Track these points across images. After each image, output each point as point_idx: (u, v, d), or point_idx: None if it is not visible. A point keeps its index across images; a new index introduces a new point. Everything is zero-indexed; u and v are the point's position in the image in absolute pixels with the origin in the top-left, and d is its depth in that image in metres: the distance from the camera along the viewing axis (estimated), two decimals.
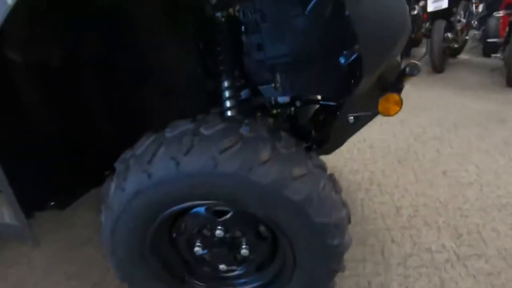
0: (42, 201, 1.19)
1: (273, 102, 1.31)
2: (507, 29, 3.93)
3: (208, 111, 1.35)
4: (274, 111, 1.36)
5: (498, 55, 4.20)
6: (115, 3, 1.14)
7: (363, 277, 1.36)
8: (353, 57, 0.94)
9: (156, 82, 1.41)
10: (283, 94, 1.23)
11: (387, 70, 0.95)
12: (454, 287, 1.30)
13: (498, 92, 3.75)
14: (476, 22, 5.69)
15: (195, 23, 1.27)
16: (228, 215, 0.94)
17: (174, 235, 1.04)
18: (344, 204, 0.93)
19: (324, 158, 1.89)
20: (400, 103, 0.95)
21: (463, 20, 4.92)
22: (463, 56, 5.69)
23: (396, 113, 0.98)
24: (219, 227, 0.96)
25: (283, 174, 0.80)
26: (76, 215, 1.77)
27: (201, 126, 0.84)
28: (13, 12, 0.76)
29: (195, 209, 0.95)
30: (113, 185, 0.90)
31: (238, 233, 0.99)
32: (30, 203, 1.12)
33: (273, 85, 1.22)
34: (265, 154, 0.80)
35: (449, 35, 4.48)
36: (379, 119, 1.09)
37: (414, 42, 5.75)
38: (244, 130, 0.83)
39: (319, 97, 1.33)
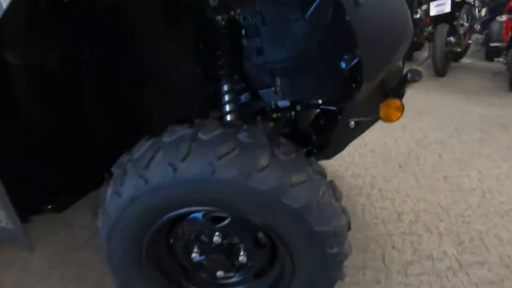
0: (39, 205, 1.18)
1: (273, 106, 1.30)
2: (510, 33, 3.92)
3: (207, 114, 1.34)
4: (274, 115, 1.35)
5: (501, 59, 4.18)
6: (115, 4, 1.13)
7: (363, 284, 1.34)
8: (354, 62, 0.93)
9: (156, 84, 1.40)
10: (283, 99, 1.22)
11: (388, 75, 0.93)
12: None
13: (501, 96, 3.73)
14: (478, 26, 5.68)
15: (195, 25, 1.27)
16: (226, 222, 0.92)
17: (172, 240, 1.02)
18: (344, 211, 0.92)
19: (325, 162, 1.88)
20: (401, 109, 0.94)
21: (466, 24, 4.91)
22: (465, 60, 5.67)
23: (398, 119, 0.97)
24: (216, 234, 0.94)
25: (282, 180, 0.78)
26: (76, 216, 1.75)
27: (199, 131, 0.83)
28: (10, 14, 0.75)
29: (192, 215, 0.94)
30: (109, 190, 0.89)
31: (236, 240, 0.97)
32: (26, 207, 1.11)
33: (273, 89, 1.21)
34: (263, 160, 0.78)
35: (452, 39, 4.46)
36: (380, 123, 1.08)
37: (416, 46, 5.74)
38: (242, 136, 0.82)
39: (319, 101, 1.32)
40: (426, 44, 5.40)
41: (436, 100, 3.69)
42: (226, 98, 1.13)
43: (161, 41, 1.29)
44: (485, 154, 2.39)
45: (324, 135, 1.33)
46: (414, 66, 5.27)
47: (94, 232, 0.99)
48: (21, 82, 1.05)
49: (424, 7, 4.89)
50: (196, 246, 0.99)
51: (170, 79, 1.38)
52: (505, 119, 3.01)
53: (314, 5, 0.85)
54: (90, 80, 1.29)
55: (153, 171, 0.81)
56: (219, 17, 1.13)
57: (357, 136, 1.23)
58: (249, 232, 0.95)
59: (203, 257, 1.00)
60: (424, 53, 5.64)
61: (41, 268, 1.48)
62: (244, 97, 1.32)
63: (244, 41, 1.17)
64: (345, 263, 0.96)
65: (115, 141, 1.32)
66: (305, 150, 1.34)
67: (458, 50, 4.86)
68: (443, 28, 4.33)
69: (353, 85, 1.01)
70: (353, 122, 1.11)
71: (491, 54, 4.90)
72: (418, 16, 4.97)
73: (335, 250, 0.86)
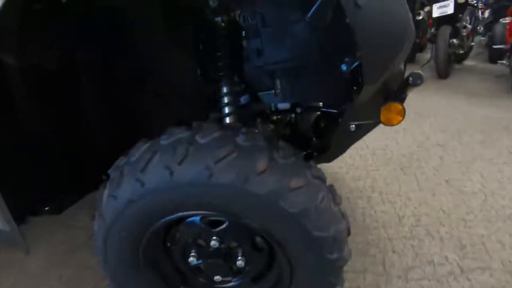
0: (37, 206, 1.17)
1: (273, 108, 1.29)
2: None
3: (207, 115, 1.33)
4: (274, 117, 1.34)
5: (504, 61, 4.16)
6: (114, 4, 1.12)
7: None
8: (355, 65, 0.91)
9: (155, 84, 1.39)
10: (283, 101, 1.21)
11: (390, 78, 0.92)
12: None
13: (504, 99, 3.71)
14: (482, 28, 5.65)
15: (195, 26, 1.25)
16: (224, 226, 0.91)
17: (169, 244, 1.01)
18: (343, 216, 0.90)
19: (325, 164, 1.87)
20: (403, 113, 0.93)
21: (469, 26, 4.88)
22: (468, 62, 5.64)
23: (399, 123, 0.95)
24: (214, 238, 0.93)
25: (280, 185, 0.77)
26: (74, 217, 1.73)
27: (196, 134, 0.82)
28: (5, 14, 0.74)
29: (190, 219, 0.92)
30: (106, 193, 0.88)
31: (233, 244, 0.96)
32: (24, 208, 1.11)
33: (273, 91, 1.20)
34: (261, 164, 0.77)
35: (455, 41, 4.44)
36: (382, 125, 1.06)
37: (418, 47, 5.72)
38: (240, 139, 0.81)
39: (320, 104, 1.30)
40: (429, 46, 5.38)
41: (438, 102, 3.67)
42: (226, 100, 1.12)
43: (161, 41, 1.28)
44: (487, 157, 2.37)
45: (325, 137, 1.31)
46: (416, 68, 5.25)
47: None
48: (18, 83, 1.04)
49: (426, 8, 4.87)
50: (193, 250, 0.98)
51: (170, 80, 1.37)
52: (507, 122, 2.99)
53: (314, 7, 0.83)
54: (89, 81, 1.28)
55: (150, 175, 0.80)
56: (219, 18, 1.12)
57: (357, 140, 1.22)
58: (247, 236, 0.94)
59: (200, 261, 0.99)
60: (426, 55, 5.61)
61: (39, 269, 1.47)
62: (243, 99, 1.31)
63: (244, 43, 1.16)
64: (345, 267, 0.95)
65: (114, 141, 1.31)
66: (305, 153, 1.35)
67: (461, 52, 4.83)
68: (446, 30, 4.31)
69: (354, 88, 1.00)
70: (353, 126, 1.10)
71: (494, 57, 4.88)
72: (420, 17, 4.95)
73: (334, 255, 0.85)
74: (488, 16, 5.63)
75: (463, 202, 1.85)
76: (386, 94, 0.96)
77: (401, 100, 0.93)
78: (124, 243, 0.92)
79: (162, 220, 0.87)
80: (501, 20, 4.42)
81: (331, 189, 0.90)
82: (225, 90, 1.12)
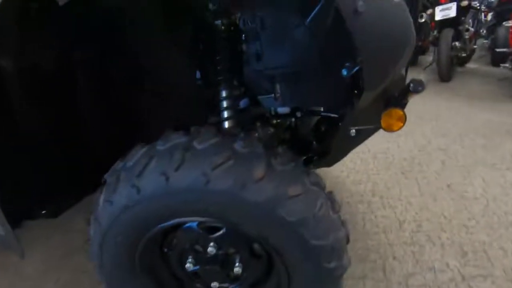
0: (34, 210, 1.16)
1: (273, 112, 1.28)
2: None
3: (206, 118, 1.32)
4: (274, 121, 1.33)
5: (507, 65, 4.14)
6: (113, 6, 1.11)
7: None
8: (355, 69, 0.90)
9: (154, 88, 1.38)
10: (283, 105, 1.20)
11: (391, 84, 0.91)
12: None
13: (506, 103, 3.69)
14: (484, 31, 5.62)
15: (194, 29, 1.24)
16: (221, 232, 0.90)
17: (166, 250, 1.00)
18: (342, 224, 0.89)
19: (326, 168, 1.85)
20: (403, 119, 0.91)
21: (472, 29, 4.87)
22: (471, 65, 5.62)
23: (400, 129, 0.94)
24: (211, 244, 0.92)
25: (277, 192, 0.76)
26: (71, 220, 1.72)
27: (194, 140, 0.80)
28: (2, 14, 0.73)
29: (187, 224, 0.91)
30: (102, 198, 0.87)
31: (231, 250, 0.94)
32: (19, 212, 1.10)
33: (273, 95, 1.18)
34: (259, 171, 0.76)
35: (457, 44, 4.43)
36: None
37: (421, 50, 5.70)
38: (238, 145, 0.79)
39: (320, 108, 1.29)
40: (431, 48, 5.36)
41: (440, 105, 3.65)
42: (224, 104, 1.11)
43: (160, 44, 1.27)
44: (489, 162, 2.35)
45: (325, 142, 1.30)
46: (418, 70, 5.23)
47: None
48: (15, 84, 1.03)
49: (429, 11, 4.85)
50: (190, 256, 0.96)
51: (169, 83, 1.36)
52: (510, 126, 2.96)
53: (314, 12, 0.82)
54: (86, 81, 1.27)
55: (146, 180, 0.78)
56: (218, 21, 1.11)
57: (358, 145, 1.20)
58: (245, 243, 0.92)
59: (197, 267, 0.97)
60: (428, 58, 5.59)
61: (35, 272, 1.47)
62: (243, 103, 1.29)
63: (244, 46, 1.15)
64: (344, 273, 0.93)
65: (112, 143, 1.30)
66: (304, 157, 1.33)
67: (463, 55, 4.81)
68: (448, 32, 4.30)
69: (354, 93, 0.98)
70: (354, 130, 1.08)
71: (497, 60, 4.86)
72: (423, 20, 4.93)
73: (332, 264, 0.83)
74: (491, 19, 5.60)
75: (465, 208, 1.83)
76: (387, 99, 0.95)
77: (402, 106, 0.91)
78: (120, 249, 0.91)
79: (159, 226, 0.86)
80: (504, 23, 4.40)
81: (330, 196, 0.89)
82: (224, 94, 1.10)
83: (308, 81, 1.10)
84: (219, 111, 1.12)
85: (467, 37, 4.66)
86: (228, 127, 1.07)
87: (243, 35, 1.12)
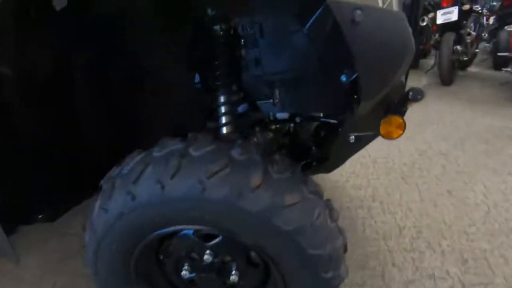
0: (30, 215, 1.15)
1: (271, 117, 1.27)
2: None
3: (205, 123, 1.31)
4: (273, 127, 1.32)
5: (509, 69, 4.12)
6: (111, 11, 1.10)
7: None
8: (354, 76, 0.89)
9: (152, 92, 1.37)
10: (282, 111, 1.19)
11: (390, 91, 0.90)
12: None
13: (508, 107, 3.66)
14: (486, 35, 5.61)
15: (193, 34, 1.24)
16: (217, 240, 0.89)
17: (162, 257, 0.99)
18: (340, 232, 0.88)
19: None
20: (403, 127, 0.90)
21: (473, 33, 4.85)
22: (472, 68, 5.60)
23: (399, 136, 0.93)
24: (207, 252, 0.90)
25: (274, 201, 0.75)
26: (69, 223, 1.72)
27: (190, 147, 0.80)
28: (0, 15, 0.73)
29: (183, 232, 0.90)
30: (97, 205, 0.86)
31: (227, 258, 0.93)
32: (15, 217, 1.09)
33: (271, 100, 1.18)
34: (256, 180, 0.75)
35: (459, 47, 4.41)
36: None
37: (422, 53, 5.68)
38: (235, 152, 0.78)
39: (320, 113, 1.28)
40: (433, 52, 5.34)
41: (441, 110, 3.63)
42: (223, 109, 1.10)
43: (159, 44, 1.26)
44: (490, 167, 2.33)
45: (324, 147, 1.29)
46: (420, 74, 5.20)
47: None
48: (12, 88, 1.02)
49: (430, 15, 4.84)
50: (186, 263, 0.95)
51: (168, 83, 1.35)
52: (511, 131, 2.94)
53: (312, 19, 0.81)
54: (86, 83, 1.26)
55: (141, 188, 0.78)
56: (217, 27, 1.10)
57: (357, 151, 1.19)
58: (241, 251, 0.91)
59: (193, 274, 0.96)
60: (430, 61, 5.57)
61: (32, 277, 1.45)
62: (242, 108, 1.29)
63: (242, 51, 1.14)
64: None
65: (111, 145, 1.30)
66: (304, 162, 1.32)
67: (465, 58, 4.80)
68: (450, 36, 4.28)
69: (354, 98, 0.97)
70: (353, 137, 1.07)
71: (498, 64, 4.84)
72: (424, 23, 4.92)
73: (329, 274, 0.82)
74: (493, 22, 5.59)
75: (465, 214, 1.81)
76: (386, 106, 0.94)
77: (402, 113, 0.91)
78: (115, 256, 0.90)
79: (154, 233, 0.85)
80: (506, 27, 4.38)
81: (328, 204, 0.88)
82: (222, 99, 1.10)
83: (307, 86, 1.09)
84: (217, 116, 1.12)
85: (468, 41, 4.64)
86: (226, 133, 1.06)
87: (242, 40, 1.11)
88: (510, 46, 4.19)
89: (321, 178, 2.07)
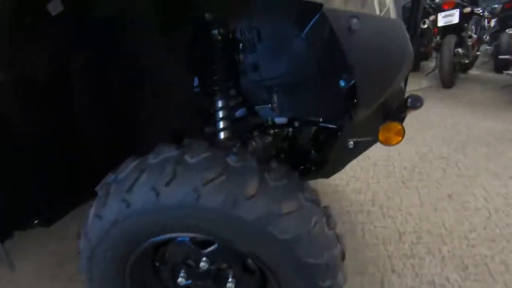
0: (25, 220, 1.14)
1: (270, 122, 1.26)
2: None
3: (202, 130, 1.30)
4: (272, 131, 1.31)
5: (510, 72, 4.11)
6: (109, 15, 1.10)
7: None
8: (353, 81, 0.88)
9: (152, 92, 1.36)
10: (280, 115, 1.18)
11: (389, 97, 0.89)
12: None
13: (509, 110, 3.65)
14: (487, 37, 5.59)
15: (191, 39, 1.23)
16: (213, 247, 0.88)
17: (157, 264, 0.98)
18: (338, 240, 0.86)
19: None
20: (402, 133, 0.89)
21: (474, 36, 4.84)
22: (473, 71, 5.59)
23: (398, 143, 0.92)
24: (203, 259, 0.89)
25: (270, 209, 0.73)
26: (66, 227, 1.70)
27: (185, 154, 0.79)
28: None
29: (179, 239, 0.89)
30: (92, 212, 0.85)
31: (224, 265, 0.92)
32: (10, 223, 1.08)
33: (270, 105, 1.17)
34: (251, 187, 0.73)
35: (460, 50, 4.40)
36: None
37: (423, 56, 5.67)
38: (231, 160, 0.77)
39: (318, 118, 1.27)
40: (434, 54, 5.33)
41: (442, 113, 3.62)
42: (220, 114, 1.09)
43: (159, 49, 1.25)
44: (491, 171, 2.31)
45: (323, 152, 1.28)
46: (420, 77, 5.18)
47: None
48: (9, 93, 1.01)
49: (432, 17, 4.83)
50: (182, 270, 0.94)
51: (168, 84, 1.34)
52: None
53: (309, 25, 0.80)
54: (84, 87, 1.25)
55: (136, 195, 0.76)
56: (215, 31, 1.10)
57: (356, 157, 1.19)
58: (238, 258, 0.90)
59: (189, 281, 0.95)
60: (431, 63, 5.56)
61: (28, 282, 1.44)
62: (240, 112, 1.28)
63: (241, 56, 1.13)
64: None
65: (110, 146, 1.29)
66: (302, 167, 1.31)
67: (466, 61, 4.78)
68: (451, 39, 4.27)
69: (352, 103, 0.96)
70: (352, 142, 1.06)
71: (500, 66, 4.83)
72: (425, 26, 4.91)
73: (327, 283, 0.81)
74: (494, 25, 5.58)
75: (466, 219, 1.80)
76: (385, 112, 0.93)
77: (401, 119, 0.89)
78: (110, 263, 0.89)
79: (149, 240, 0.84)
80: (507, 30, 4.37)
81: (326, 212, 0.86)
82: (220, 104, 1.09)
83: (306, 91, 1.09)
84: (215, 121, 1.11)
85: (469, 43, 4.63)
86: (223, 139, 1.05)
87: (240, 45, 1.10)
88: (511, 48, 4.18)
89: (320, 182, 2.06)
